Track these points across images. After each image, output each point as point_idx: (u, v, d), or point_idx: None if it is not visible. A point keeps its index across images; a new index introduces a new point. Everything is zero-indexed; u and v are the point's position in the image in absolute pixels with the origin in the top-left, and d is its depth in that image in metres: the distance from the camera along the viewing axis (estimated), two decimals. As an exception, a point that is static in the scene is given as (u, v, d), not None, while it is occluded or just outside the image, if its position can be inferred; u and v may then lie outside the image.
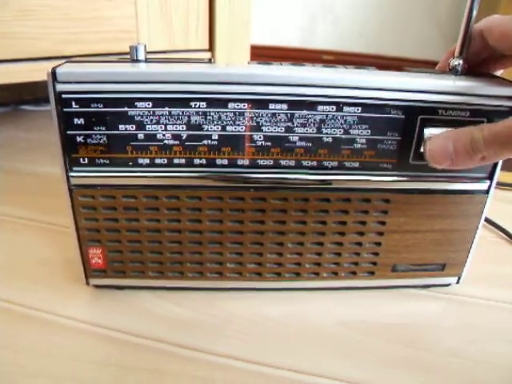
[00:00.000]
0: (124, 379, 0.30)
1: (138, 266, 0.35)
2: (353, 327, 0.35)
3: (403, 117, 0.31)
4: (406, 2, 0.89)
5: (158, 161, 0.31)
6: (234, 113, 0.30)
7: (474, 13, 0.32)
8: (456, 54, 0.34)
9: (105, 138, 0.30)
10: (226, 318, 0.35)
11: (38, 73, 0.47)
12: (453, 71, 0.33)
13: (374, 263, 0.36)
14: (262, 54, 0.82)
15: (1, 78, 0.47)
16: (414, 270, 0.37)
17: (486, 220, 0.48)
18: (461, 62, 0.33)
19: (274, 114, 0.31)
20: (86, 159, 0.31)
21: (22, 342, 0.32)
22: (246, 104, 0.30)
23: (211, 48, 0.54)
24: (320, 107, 0.31)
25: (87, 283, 0.36)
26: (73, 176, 0.31)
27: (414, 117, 0.31)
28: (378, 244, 0.36)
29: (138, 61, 0.31)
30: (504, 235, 0.47)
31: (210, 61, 0.33)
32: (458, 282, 0.38)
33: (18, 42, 0.47)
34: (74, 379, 0.30)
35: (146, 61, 0.31)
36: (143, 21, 0.50)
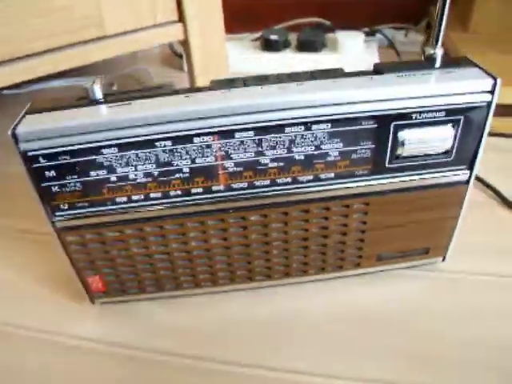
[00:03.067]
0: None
1: (135, 285, 0.37)
2: (342, 319, 0.37)
3: (375, 126, 0.30)
4: None
5: (134, 197, 0.32)
6: (201, 146, 0.30)
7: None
8: (431, 41, 0.32)
9: (79, 185, 0.31)
10: (221, 321, 0.38)
11: (15, 76, 0.45)
12: (429, 62, 0.32)
13: (359, 256, 0.38)
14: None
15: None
16: (399, 257, 0.38)
17: (477, 178, 0.47)
18: (438, 52, 0.31)
19: (241, 142, 0.30)
20: (66, 204, 0.32)
21: (30, 365, 0.35)
22: (212, 136, 0.30)
23: (181, 19, 0.51)
24: (287, 129, 0.30)
25: (92, 302, 0.38)
26: (56, 221, 0.32)
27: (387, 124, 0.31)
28: (361, 240, 0.37)
29: (96, 102, 0.30)
30: (495, 195, 0.47)
31: (171, 86, 0.31)
32: (443, 261, 0.39)
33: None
34: None
35: (105, 100, 0.30)
36: (106, 3, 0.46)
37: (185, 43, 0.57)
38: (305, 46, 0.74)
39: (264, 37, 0.77)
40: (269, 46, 0.76)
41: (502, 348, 0.34)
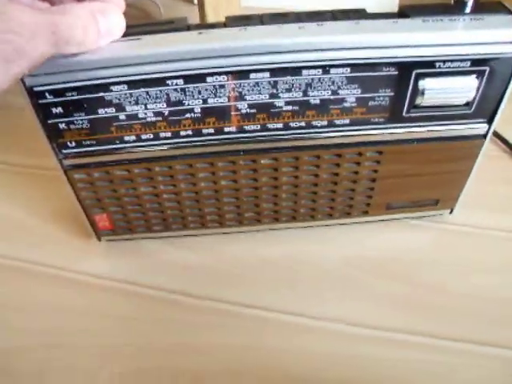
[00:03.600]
0: (136, 330, 0.34)
1: (143, 224, 0.37)
2: (346, 265, 0.37)
3: (396, 73, 0.29)
4: None
5: (143, 136, 0.31)
6: (214, 86, 0.29)
7: None
8: (464, -15, 0.30)
9: (87, 123, 0.30)
10: (230, 261, 0.38)
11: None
12: (459, 6, 0.30)
13: (368, 204, 0.37)
14: None
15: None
16: (408, 207, 0.38)
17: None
18: (469, -1, 0.29)
19: (256, 83, 0.29)
20: (73, 142, 0.31)
21: (34, 299, 0.36)
22: (226, 76, 0.28)
23: None
24: (305, 71, 0.29)
25: (99, 239, 0.39)
26: (64, 158, 0.32)
27: (409, 71, 0.29)
28: (371, 189, 0.36)
29: None
30: (507, 148, 0.46)
31: (184, 21, 0.30)
32: (450, 213, 0.39)
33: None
34: (87, 331, 0.34)
35: None
36: None
37: (195, -29, 0.54)
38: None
39: (279, -33, 0.72)
40: (284, -22, 0.71)
41: (502, 300, 0.35)
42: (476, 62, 0.29)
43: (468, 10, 0.30)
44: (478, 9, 0.30)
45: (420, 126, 0.32)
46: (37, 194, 0.44)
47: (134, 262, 0.39)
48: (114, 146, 0.32)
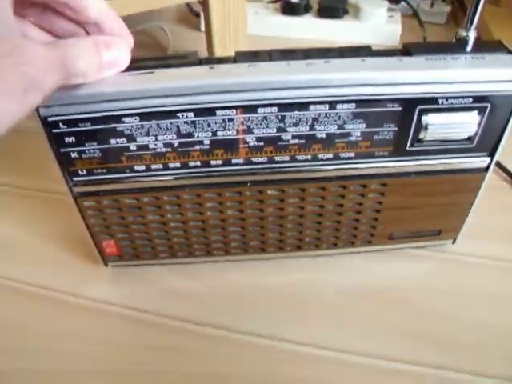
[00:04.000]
0: (141, 356, 0.34)
1: (149, 251, 0.38)
2: (349, 294, 0.38)
3: (400, 109, 0.30)
4: None
5: (153, 166, 0.32)
6: (223, 119, 0.30)
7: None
8: (465, 23, 0.31)
9: (98, 152, 0.31)
10: (233, 289, 0.38)
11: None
12: (460, 45, 0.31)
13: (372, 234, 0.38)
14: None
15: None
16: (410, 237, 0.39)
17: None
18: (471, 35, 0.30)
19: (264, 117, 0.30)
20: (84, 170, 0.32)
21: (37, 322, 0.36)
22: (235, 110, 0.29)
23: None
24: (312, 107, 0.30)
25: (105, 265, 0.39)
26: (74, 185, 0.32)
27: (413, 107, 0.30)
28: (375, 219, 0.37)
29: None
30: (508, 177, 0.47)
31: (195, 55, 0.31)
32: (453, 243, 0.40)
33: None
34: (90, 357, 0.34)
35: (128, 67, 0.29)
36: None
37: (204, 3, 0.55)
38: (326, 12, 0.71)
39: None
40: (289, 9, 0.73)
41: (504, 333, 0.35)
42: (477, 99, 0.30)
43: (469, 48, 0.31)
44: (479, 47, 0.31)
45: (423, 160, 0.33)
46: (44, 217, 0.45)
47: (139, 289, 0.39)
48: (124, 175, 0.32)
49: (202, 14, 0.65)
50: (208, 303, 0.38)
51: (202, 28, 0.68)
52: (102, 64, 0.27)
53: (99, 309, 0.37)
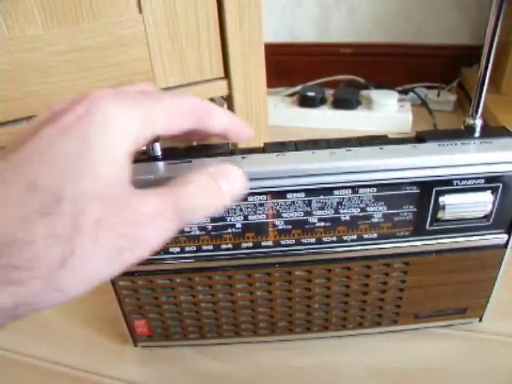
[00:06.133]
0: None
1: (179, 331, 0.39)
2: (379, 375, 0.38)
3: (418, 191, 0.32)
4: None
5: (187, 249, 0.34)
6: (254, 204, 0.32)
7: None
8: (471, 112, 0.34)
9: (137, 236, 0.33)
10: (260, 371, 0.39)
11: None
12: (468, 131, 0.34)
13: (397, 313, 0.39)
14: (277, 52, 0.80)
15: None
16: (436, 315, 0.39)
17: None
18: (477, 122, 0.33)
19: (292, 202, 0.32)
20: (123, 253, 0.34)
21: None
22: (265, 196, 0.32)
23: (227, 75, 0.54)
24: (336, 191, 0.32)
25: (135, 345, 0.40)
26: (113, 267, 0.34)
27: (429, 189, 0.32)
28: (400, 298, 0.38)
29: (155, 159, 0.32)
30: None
31: (227, 146, 0.34)
32: (480, 321, 0.40)
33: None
34: None
35: (165, 157, 0.32)
36: (157, 60, 0.50)
37: (228, 97, 0.60)
38: (341, 104, 0.77)
39: (301, 93, 0.80)
40: (306, 102, 0.79)
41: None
42: (489, 180, 0.32)
43: (477, 134, 0.33)
44: (486, 133, 0.34)
45: (443, 238, 0.35)
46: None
47: (166, 369, 0.39)
48: (159, 257, 0.34)
49: (225, 107, 0.70)
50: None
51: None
52: (222, 194, 0.25)
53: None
